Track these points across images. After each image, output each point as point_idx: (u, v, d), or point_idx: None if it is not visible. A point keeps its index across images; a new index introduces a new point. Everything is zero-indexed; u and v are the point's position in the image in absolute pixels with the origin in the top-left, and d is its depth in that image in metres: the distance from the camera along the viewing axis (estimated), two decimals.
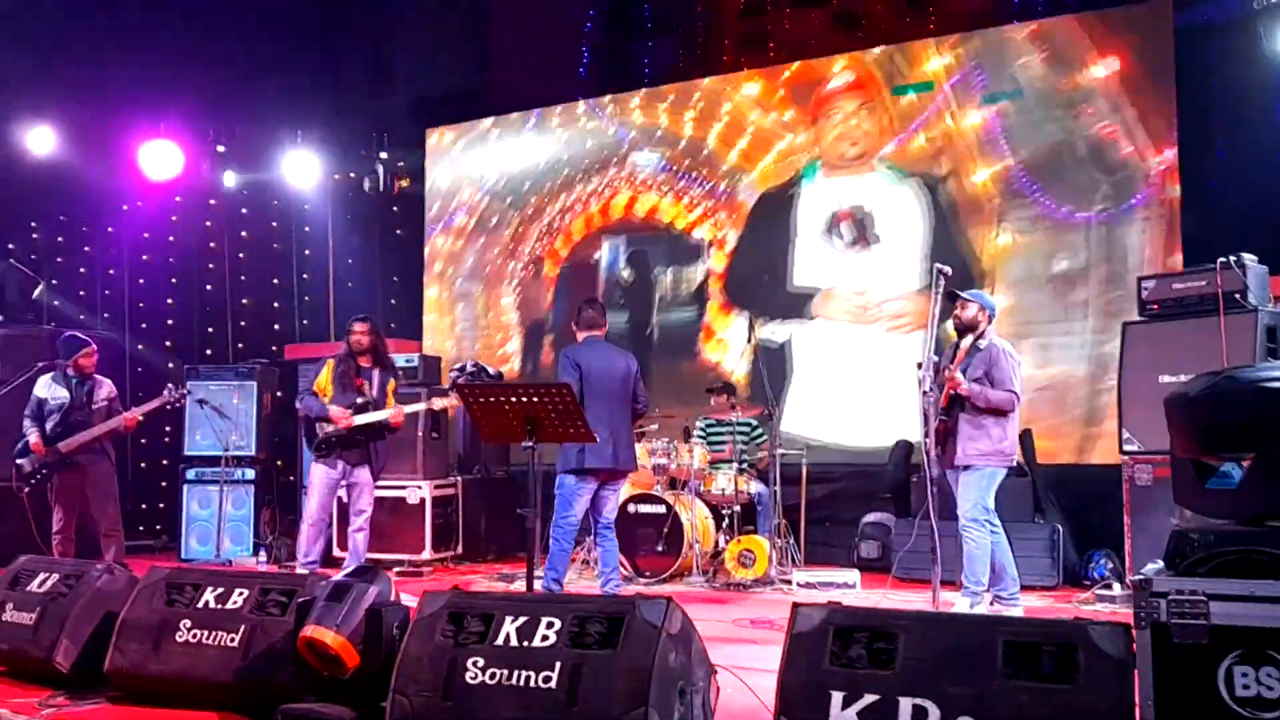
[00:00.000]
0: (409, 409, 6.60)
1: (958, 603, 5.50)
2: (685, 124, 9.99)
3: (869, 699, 2.80)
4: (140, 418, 7.15)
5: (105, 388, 7.23)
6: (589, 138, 10.48)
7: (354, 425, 6.36)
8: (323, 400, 6.46)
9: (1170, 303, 6.20)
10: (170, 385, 7.28)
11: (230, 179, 10.65)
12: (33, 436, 6.96)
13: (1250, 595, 2.61)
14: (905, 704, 2.76)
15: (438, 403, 6.78)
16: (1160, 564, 2.88)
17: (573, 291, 10.15)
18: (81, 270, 10.91)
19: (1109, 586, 6.44)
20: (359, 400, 6.46)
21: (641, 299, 10.04)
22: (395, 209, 11.34)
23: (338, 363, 6.59)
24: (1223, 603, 2.63)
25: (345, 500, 6.74)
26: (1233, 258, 5.93)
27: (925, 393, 5.05)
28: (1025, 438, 7.54)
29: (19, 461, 7.00)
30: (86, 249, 10.97)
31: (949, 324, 5.98)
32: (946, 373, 5.49)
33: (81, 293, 10.81)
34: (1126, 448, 6.25)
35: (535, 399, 4.48)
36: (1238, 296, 5.87)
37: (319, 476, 6.46)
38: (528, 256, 10.63)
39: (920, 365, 5.23)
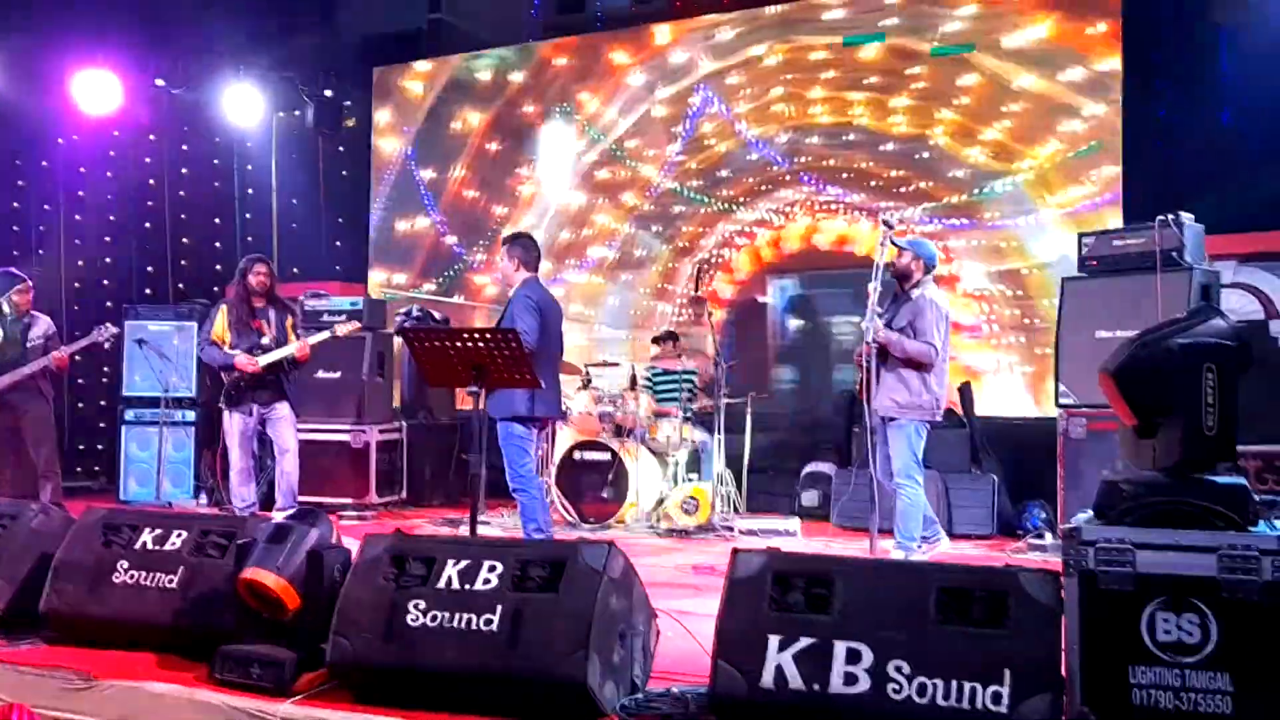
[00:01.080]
0: (313, 339, 6.55)
1: (892, 555, 5.58)
2: None
3: (805, 642, 2.86)
4: (74, 356, 7.01)
5: (41, 325, 7.07)
6: None
7: (261, 368, 6.33)
8: (223, 348, 6.41)
9: (1109, 259, 6.29)
10: (103, 325, 7.13)
11: (170, 113, 10.37)
12: None
13: (1174, 545, 2.69)
14: (840, 647, 2.82)
15: (341, 329, 6.74)
16: (1090, 514, 2.95)
17: None
18: (15, 205, 10.59)
19: (1041, 536, 6.59)
20: (262, 341, 6.42)
21: None
22: (340, 149, 11.13)
23: (230, 308, 6.54)
24: (1148, 551, 2.70)
25: (269, 439, 6.70)
26: (1170, 216, 6.01)
27: (868, 343, 5.09)
28: (964, 390, 7.66)
29: None
30: (20, 183, 10.64)
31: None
32: (873, 322, 5.43)
33: (15, 228, 10.51)
34: (1062, 401, 6.37)
35: (481, 344, 4.44)
36: (1174, 255, 5.96)
37: (236, 425, 6.45)
38: None
39: (864, 317, 5.26)
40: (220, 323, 6.50)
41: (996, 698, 2.66)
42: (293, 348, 6.42)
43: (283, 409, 6.50)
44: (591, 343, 9.71)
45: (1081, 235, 6.60)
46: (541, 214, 10.17)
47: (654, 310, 9.61)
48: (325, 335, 6.65)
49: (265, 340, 6.43)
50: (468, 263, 10.45)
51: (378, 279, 10.84)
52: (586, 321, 9.83)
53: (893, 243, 5.65)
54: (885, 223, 5.14)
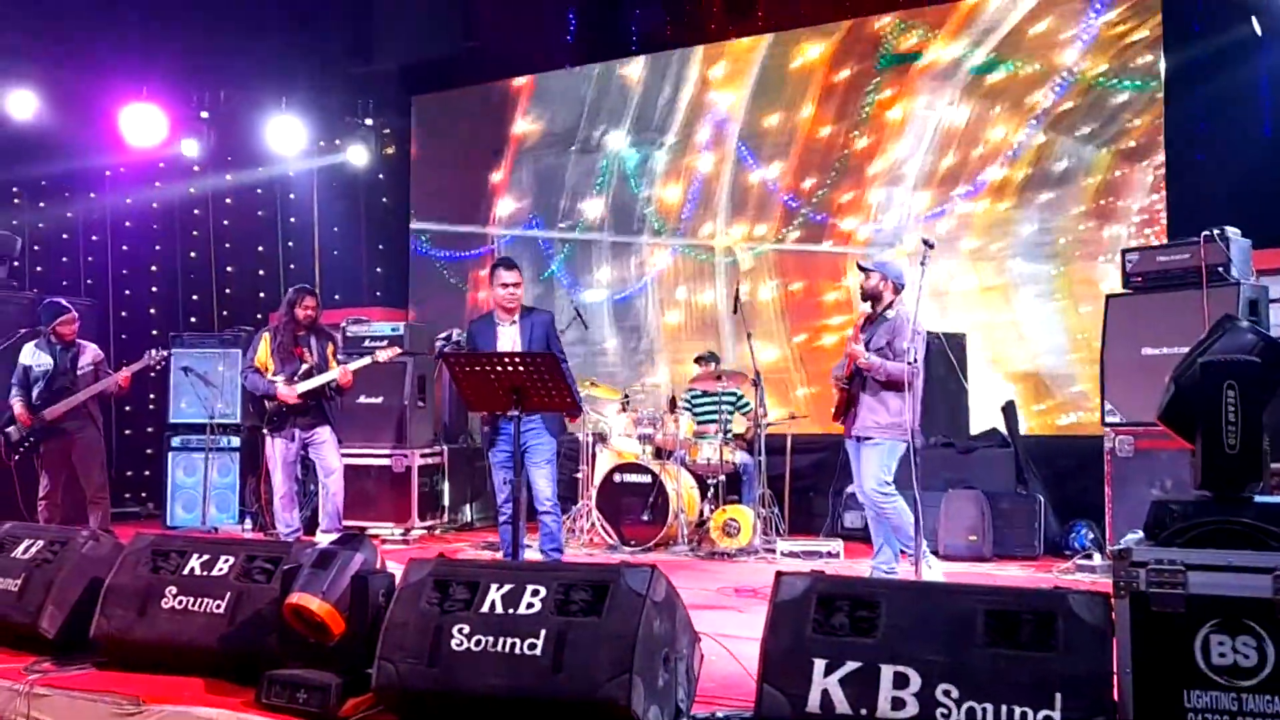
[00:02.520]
0: (354, 365, 6.61)
1: (922, 571, 5.48)
2: None
3: (851, 666, 2.83)
4: (130, 378, 7.12)
5: (89, 353, 7.19)
6: None
7: (300, 394, 6.42)
8: (266, 375, 6.51)
9: (1153, 275, 6.21)
10: (153, 348, 7.23)
11: (214, 144, 10.54)
12: (17, 405, 6.94)
13: (1227, 565, 2.64)
14: (887, 671, 2.79)
15: (381, 355, 6.79)
16: (1140, 534, 2.90)
17: None
18: (64, 236, 10.81)
19: (1089, 556, 6.49)
20: (304, 367, 6.50)
21: None
22: (381, 176, 11.27)
23: (274, 335, 6.62)
24: (1200, 572, 2.66)
25: (312, 464, 6.77)
26: (1216, 231, 5.94)
27: (910, 364, 5.05)
28: (1008, 409, 7.59)
29: (6, 430, 6.98)
30: (68, 215, 10.86)
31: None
32: (848, 344, 5.53)
33: (64, 259, 10.72)
34: (1109, 419, 6.28)
35: (521, 368, 4.47)
36: (1220, 270, 5.88)
37: (278, 451, 6.52)
38: None
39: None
40: (263, 350, 6.60)
41: None
42: (334, 374, 6.48)
43: (324, 433, 6.57)
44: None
45: (1125, 251, 6.52)
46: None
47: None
48: (366, 361, 6.71)
49: (306, 367, 6.51)
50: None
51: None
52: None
53: (859, 266, 5.77)
54: (926, 243, 5.11)
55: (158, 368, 7.36)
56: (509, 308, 5.73)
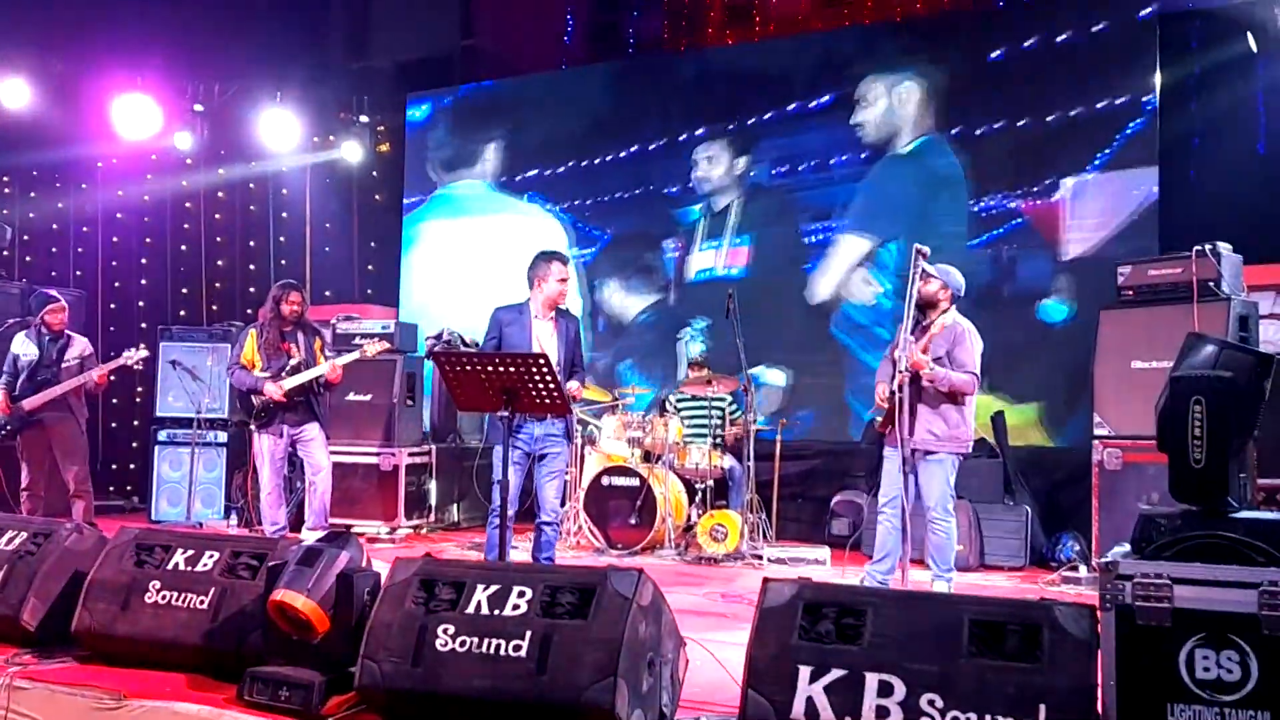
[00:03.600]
0: (342, 360, 6.55)
1: (936, 586, 5.46)
2: None
3: (836, 674, 2.83)
4: (111, 377, 7.10)
5: (78, 346, 7.17)
6: None
7: (287, 390, 6.35)
8: (252, 372, 6.43)
9: (1145, 289, 6.25)
10: (134, 346, 7.20)
11: (206, 138, 10.51)
12: None
13: (1214, 580, 2.65)
14: (872, 679, 2.80)
15: (370, 349, 6.75)
16: (1127, 547, 2.91)
17: None
18: (54, 227, 10.78)
19: (1075, 568, 6.51)
20: (291, 363, 6.44)
21: None
22: (374, 174, 11.25)
23: (260, 332, 6.53)
24: (1186, 586, 2.67)
25: (299, 460, 6.73)
26: (1208, 246, 5.97)
27: (901, 371, 5.04)
28: (998, 419, 7.61)
29: None
30: (59, 205, 10.83)
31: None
32: (910, 351, 5.14)
33: (53, 249, 10.68)
34: (1097, 431, 6.31)
35: (513, 369, 4.45)
36: (1211, 284, 5.91)
37: (266, 447, 6.44)
38: None
39: (896, 345, 5.20)
40: (249, 346, 6.52)
41: None
42: (321, 369, 6.44)
43: (313, 430, 6.52)
44: None
45: (1117, 264, 6.56)
46: None
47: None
48: (354, 356, 6.66)
49: (294, 363, 6.46)
50: None
51: None
52: None
53: (923, 271, 5.56)
54: (919, 251, 5.05)
55: (136, 367, 7.31)
56: (559, 304, 5.52)
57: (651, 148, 10.14)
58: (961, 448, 5.41)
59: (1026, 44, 8.52)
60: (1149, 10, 8.02)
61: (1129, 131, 8.04)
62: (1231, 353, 2.91)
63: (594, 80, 10.58)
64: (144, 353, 7.20)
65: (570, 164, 10.46)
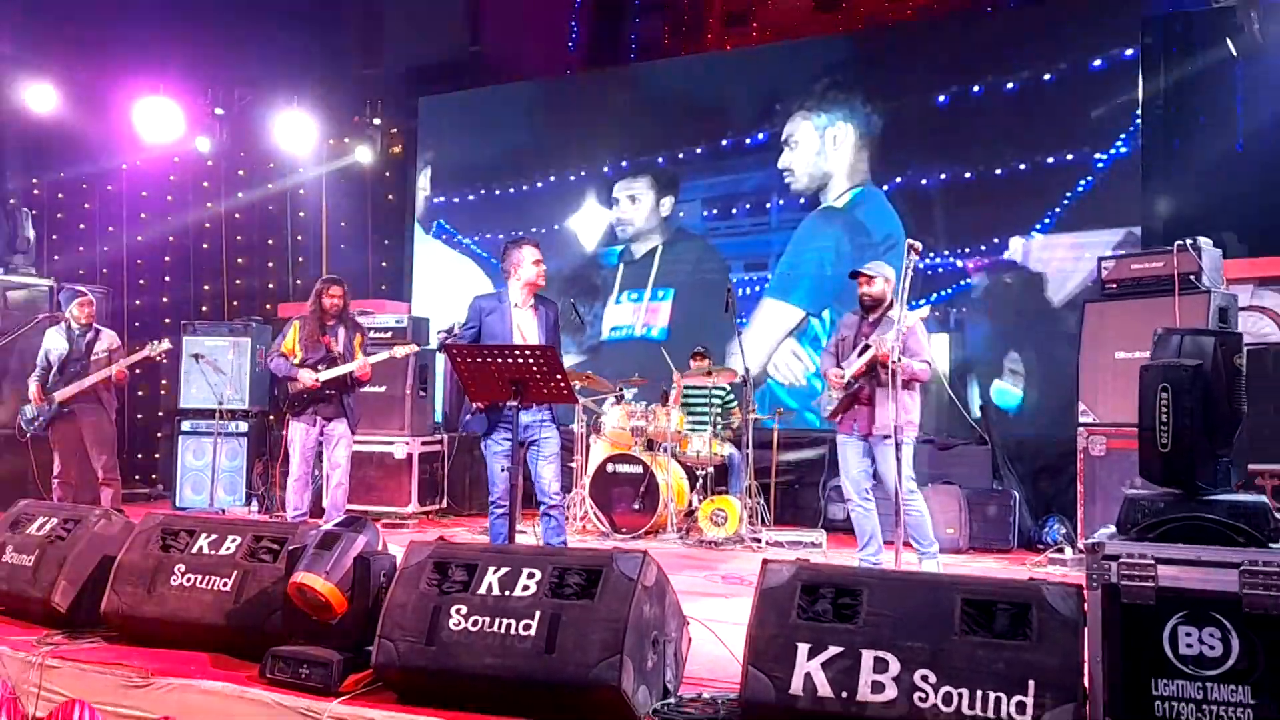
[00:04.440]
0: (373, 359, 6.53)
1: (925, 565, 5.47)
2: None
3: (833, 651, 2.83)
4: (136, 369, 7.09)
5: (105, 339, 7.16)
6: None
7: (321, 381, 6.29)
8: (291, 361, 6.38)
9: (1128, 282, 6.23)
10: (156, 339, 7.18)
11: (227, 140, 10.52)
12: (33, 385, 6.95)
13: (1197, 560, 2.64)
14: (868, 656, 2.79)
15: (399, 350, 6.74)
16: (1113, 529, 2.91)
17: None
18: (81, 227, 10.80)
19: (1061, 550, 6.51)
20: (328, 356, 6.39)
21: None
22: (387, 174, 11.24)
23: (303, 324, 6.49)
24: (1170, 566, 2.66)
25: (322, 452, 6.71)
26: (1189, 241, 5.96)
27: (894, 362, 5.02)
28: (986, 409, 7.60)
29: (24, 408, 7.02)
30: (86, 205, 10.85)
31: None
32: (874, 345, 5.28)
33: (81, 248, 10.70)
34: (1082, 419, 6.30)
35: (521, 360, 4.44)
36: (1192, 278, 5.90)
37: (298, 434, 6.40)
38: None
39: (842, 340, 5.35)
40: (291, 336, 6.46)
41: (1021, 707, 2.62)
42: (353, 365, 6.39)
43: (340, 427, 6.44)
44: None
45: (1101, 258, 6.54)
46: None
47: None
48: (384, 355, 6.63)
49: (331, 356, 6.40)
50: None
51: None
52: None
53: (860, 272, 5.60)
54: (912, 247, 5.03)
55: (161, 360, 7.29)
56: (538, 288, 5.29)
57: (572, 179, 9.59)
58: (915, 431, 5.55)
59: (976, 89, 8.25)
60: (1099, 63, 7.92)
61: (1080, 190, 7.84)
62: (1194, 339, 2.90)
63: (519, 100, 10.27)
64: (166, 345, 7.17)
65: (484, 192, 10.17)
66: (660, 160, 9.15)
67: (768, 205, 8.68)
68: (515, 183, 10.04)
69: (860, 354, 5.46)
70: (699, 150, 9.03)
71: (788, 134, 8.67)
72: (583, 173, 9.65)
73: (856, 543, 5.80)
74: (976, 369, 8.14)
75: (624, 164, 9.40)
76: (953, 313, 8.27)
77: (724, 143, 9.01)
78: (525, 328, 5.24)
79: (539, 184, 9.90)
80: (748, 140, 8.90)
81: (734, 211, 8.82)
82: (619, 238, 9.42)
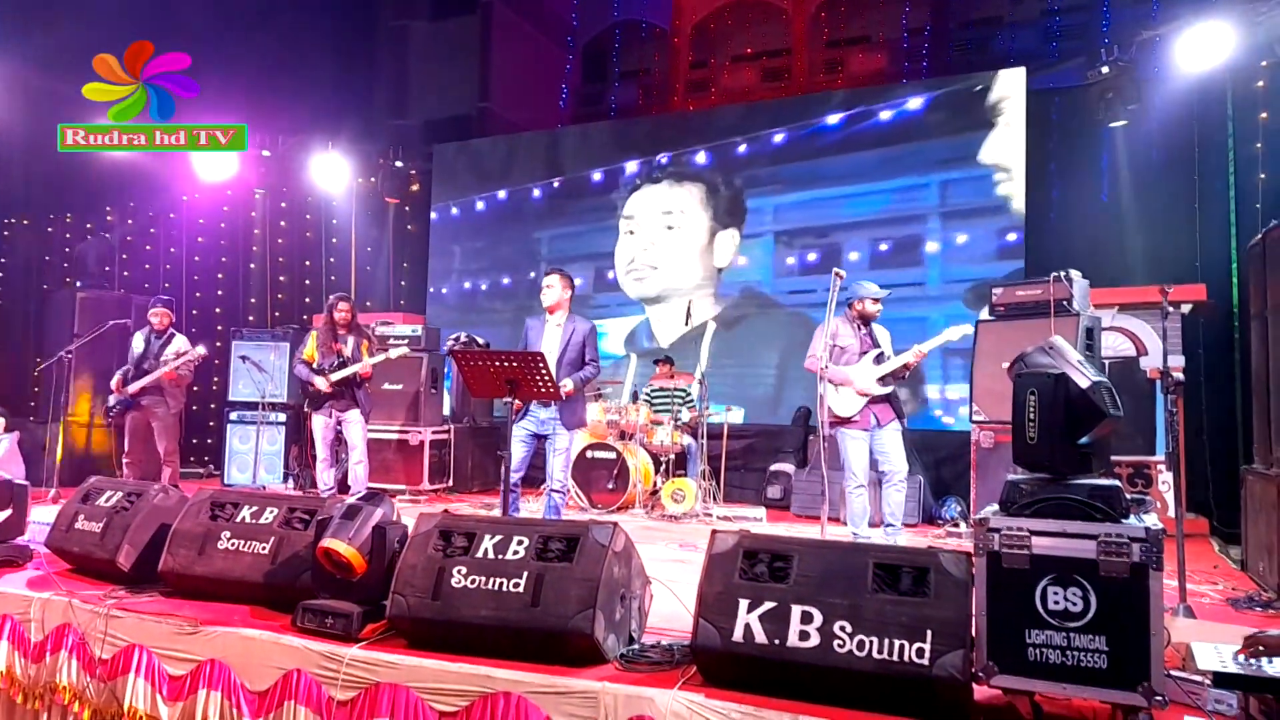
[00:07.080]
0: (372, 361, 6.54)
1: (899, 540, 5.32)
2: None
3: (768, 605, 2.84)
4: (178, 372, 6.91)
5: (176, 343, 7.01)
6: None
7: (333, 382, 6.36)
8: (310, 366, 6.47)
9: (1013, 306, 6.29)
10: (198, 344, 7.03)
11: (272, 177, 10.43)
12: (116, 377, 6.90)
13: (1063, 532, 2.68)
14: (796, 610, 2.81)
15: (394, 352, 6.77)
16: (996, 507, 2.94)
17: None
18: (148, 248, 10.68)
19: (957, 525, 6.57)
20: (339, 360, 6.45)
21: None
22: (407, 208, 11.19)
23: (319, 334, 6.57)
24: (1041, 537, 2.69)
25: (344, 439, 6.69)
26: (1062, 272, 6.02)
27: (824, 367, 5.05)
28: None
29: (107, 396, 6.97)
30: (153, 231, 10.73)
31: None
32: (915, 351, 5.28)
33: (147, 266, 10.57)
34: (975, 417, 6.36)
35: (514, 364, 4.45)
36: (1065, 303, 5.95)
37: (318, 425, 6.49)
38: None
39: (830, 350, 5.20)
40: (310, 345, 6.56)
41: (920, 652, 2.64)
42: (359, 367, 6.44)
43: (354, 415, 6.49)
44: None
45: (992, 286, 6.61)
46: None
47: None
48: (382, 357, 6.70)
49: (340, 360, 6.45)
50: None
51: None
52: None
53: (877, 299, 5.51)
54: (837, 274, 4.98)
55: (196, 362, 7.02)
56: (547, 307, 5.28)
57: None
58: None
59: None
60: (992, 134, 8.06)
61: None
62: (1048, 359, 3.01)
63: (517, 147, 10.43)
64: (202, 350, 6.92)
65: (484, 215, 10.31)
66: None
67: None
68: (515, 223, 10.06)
69: (878, 360, 5.37)
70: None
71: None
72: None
73: (794, 516, 5.81)
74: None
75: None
76: None
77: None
78: (546, 340, 5.25)
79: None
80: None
81: None
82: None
